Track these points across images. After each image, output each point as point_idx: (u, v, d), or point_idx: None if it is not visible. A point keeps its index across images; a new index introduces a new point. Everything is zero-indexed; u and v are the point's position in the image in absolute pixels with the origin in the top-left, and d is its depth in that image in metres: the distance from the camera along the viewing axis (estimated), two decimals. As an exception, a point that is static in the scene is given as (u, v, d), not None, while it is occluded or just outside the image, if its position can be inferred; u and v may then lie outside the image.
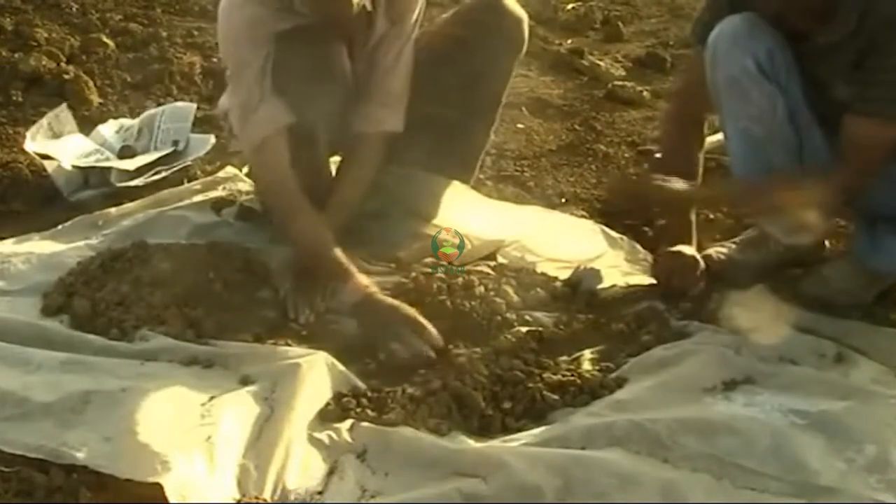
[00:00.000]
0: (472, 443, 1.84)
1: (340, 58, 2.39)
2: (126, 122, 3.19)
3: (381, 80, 2.47)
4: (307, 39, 2.28)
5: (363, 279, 2.25)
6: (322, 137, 2.42)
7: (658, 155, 3.05)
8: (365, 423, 1.88)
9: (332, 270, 2.29)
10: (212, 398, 1.90)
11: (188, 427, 1.79)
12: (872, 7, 2.02)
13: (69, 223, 2.62)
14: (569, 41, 4.32)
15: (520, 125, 3.43)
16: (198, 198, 2.75)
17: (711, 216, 2.78)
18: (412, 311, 2.17)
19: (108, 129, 3.14)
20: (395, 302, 2.21)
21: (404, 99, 2.50)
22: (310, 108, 2.32)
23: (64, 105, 3.16)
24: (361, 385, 2.01)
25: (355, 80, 2.46)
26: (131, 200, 2.72)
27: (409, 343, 2.11)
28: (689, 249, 2.34)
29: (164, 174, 2.88)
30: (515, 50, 2.65)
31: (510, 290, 2.31)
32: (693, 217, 2.41)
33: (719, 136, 2.49)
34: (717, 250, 2.46)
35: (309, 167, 2.39)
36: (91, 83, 3.46)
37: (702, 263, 2.33)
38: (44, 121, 3.05)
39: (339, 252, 2.29)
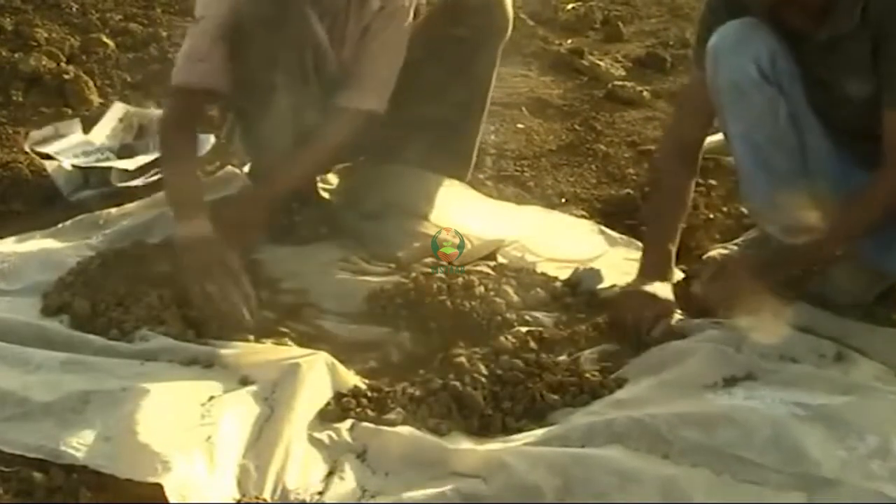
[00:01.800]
0: (471, 443, 1.84)
1: (307, 25, 2.40)
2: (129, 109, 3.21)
3: (367, 63, 2.49)
4: (277, 6, 2.32)
5: (204, 224, 2.28)
6: (285, 103, 2.42)
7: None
8: (365, 423, 1.88)
9: (179, 208, 2.35)
10: (212, 398, 1.89)
11: (188, 427, 1.79)
12: None
13: (69, 223, 2.61)
14: (569, 41, 4.31)
15: (520, 125, 3.43)
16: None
17: (711, 216, 2.78)
18: (237, 265, 2.23)
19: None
20: (231, 259, 2.24)
21: (390, 85, 2.50)
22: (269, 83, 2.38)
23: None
24: (361, 385, 2.01)
25: (340, 57, 2.48)
26: (131, 200, 2.72)
27: (226, 293, 2.17)
28: (662, 290, 2.19)
29: (164, 174, 2.88)
30: (500, 34, 2.66)
31: (510, 290, 2.31)
32: (673, 248, 2.29)
33: (719, 137, 2.49)
34: (720, 251, 2.45)
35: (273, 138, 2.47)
36: (91, 83, 3.45)
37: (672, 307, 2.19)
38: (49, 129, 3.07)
39: (198, 192, 2.40)
